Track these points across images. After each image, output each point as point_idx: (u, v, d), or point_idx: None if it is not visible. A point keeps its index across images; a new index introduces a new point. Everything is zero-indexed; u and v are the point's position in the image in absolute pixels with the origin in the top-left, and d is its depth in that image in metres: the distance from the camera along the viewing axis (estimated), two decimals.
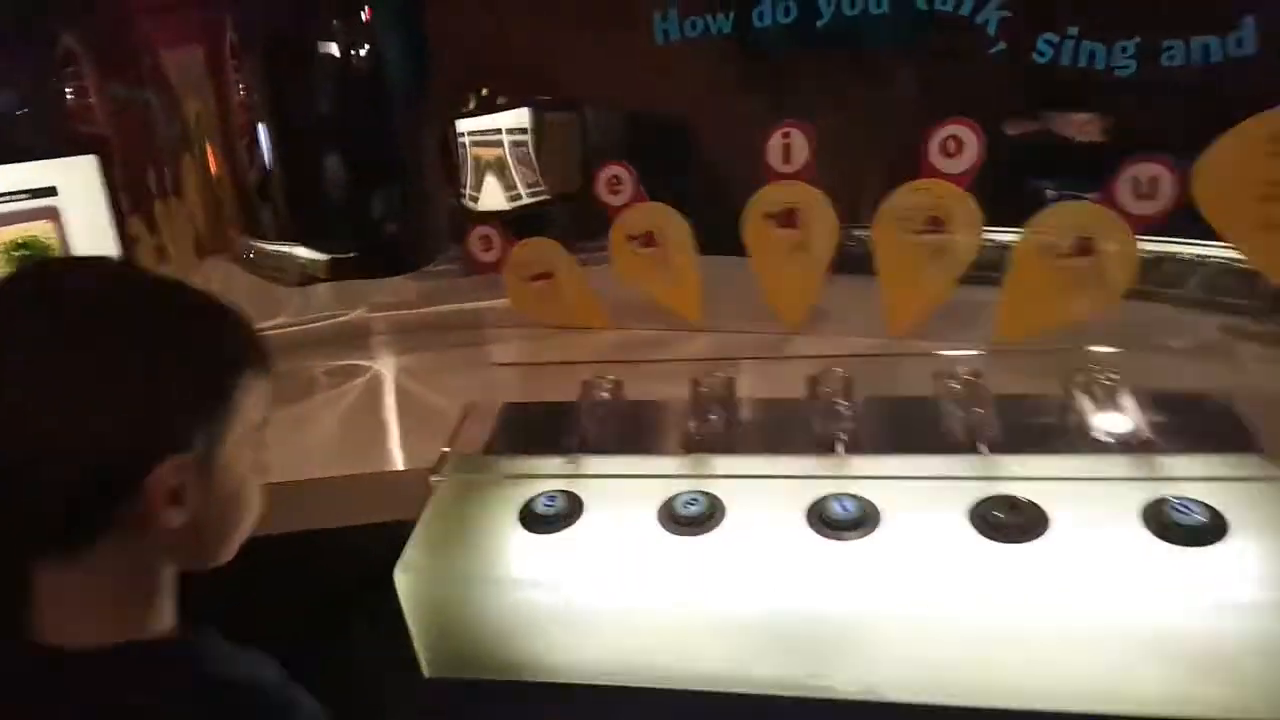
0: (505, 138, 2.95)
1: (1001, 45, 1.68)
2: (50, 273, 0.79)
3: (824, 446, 1.26)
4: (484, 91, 2.61)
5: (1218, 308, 1.88)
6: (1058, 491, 1.16)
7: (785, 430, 1.38)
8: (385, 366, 2.07)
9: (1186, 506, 1.09)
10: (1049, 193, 2.24)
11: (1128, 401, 1.30)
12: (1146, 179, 1.63)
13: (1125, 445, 1.21)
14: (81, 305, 0.71)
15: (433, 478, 1.35)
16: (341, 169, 2.10)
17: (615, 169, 2.09)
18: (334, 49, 1.97)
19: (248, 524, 0.84)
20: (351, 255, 2.19)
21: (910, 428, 1.36)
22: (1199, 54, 1.55)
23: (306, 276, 2.18)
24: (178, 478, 0.72)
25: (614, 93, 2.63)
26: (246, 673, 0.78)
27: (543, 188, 2.78)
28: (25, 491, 0.68)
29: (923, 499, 1.18)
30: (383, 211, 2.20)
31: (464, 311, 2.27)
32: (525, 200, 2.90)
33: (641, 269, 2.12)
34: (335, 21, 1.98)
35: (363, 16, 2.03)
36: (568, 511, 1.25)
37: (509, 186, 2.97)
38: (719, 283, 2.09)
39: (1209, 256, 1.93)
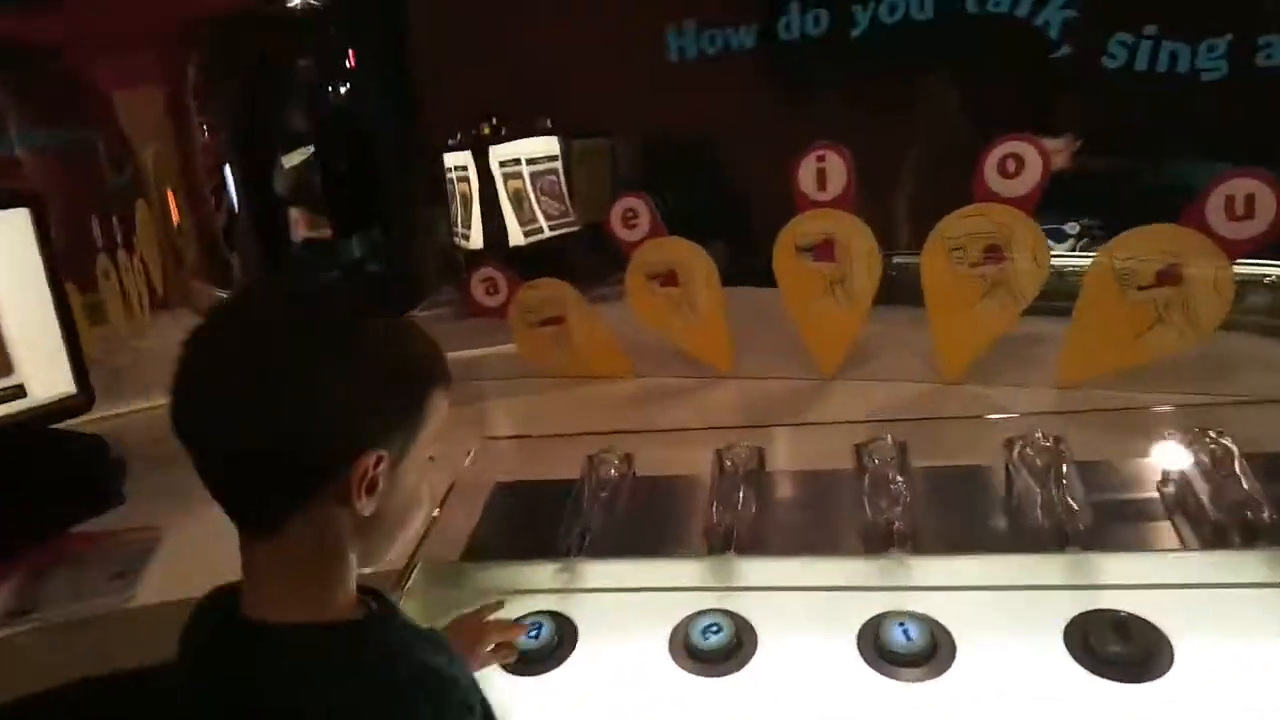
0: (526, 168, 2.77)
1: (1066, 49, 1.46)
2: (292, 292, 0.87)
3: (877, 543, 1.04)
4: (491, 122, 2.43)
5: None
6: (1175, 605, 0.90)
7: (828, 519, 1.15)
8: None
9: None
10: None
11: (1244, 471, 1.05)
12: (1243, 196, 1.39)
13: (1250, 533, 0.97)
14: (318, 319, 0.81)
15: (396, 594, 1.10)
16: (316, 209, 1.92)
17: (631, 200, 1.90)
18: (308, 82, 1.81)
19: (409, 531, 0.89)
20: None
21: (980, 514, 1.13)
22: None
23: None
24: (375, 469, 0.79)
25: (630, 118, 2.43)
26: (422, 648, 0.85)
27: (571, 218, 2.60)
28: (256, 467, 0.77)
29: (1003, 615, 0.93)
30: (362, 252, 2.01)
31: (459, 361, 2.07)
32: (547, 234, 2.71)
33: (662, 311, 1.92)
34: (310, 56, 1.82)
35: (340, 48, 1.87)
36: (558, 643, 1.02)
37: (527, 220, 2.79)
38: (747, 318, 1.88)
39: None
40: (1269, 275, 1.71)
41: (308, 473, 0.77)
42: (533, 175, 2.71)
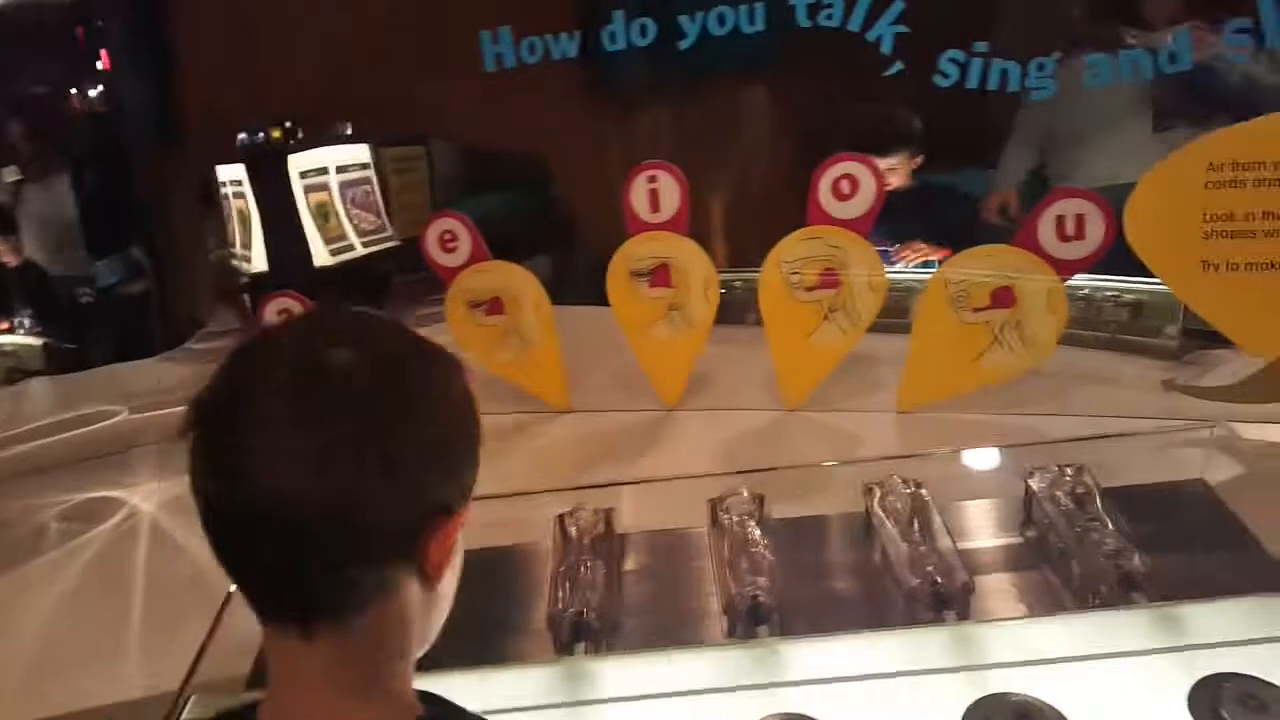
0: (335, 177, 2.50)
1: (899, 66, 1.41)
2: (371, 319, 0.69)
3: (742, 622, 0.93)
4: (284, 126, 2.19)
5: (1128, 348, 1.68)
6: (1067, 680, 0.81)
7: (687, 592, 1.04)
8: (147, 500, 1.53)
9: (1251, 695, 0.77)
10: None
11: (1107, 511, 1.01)
12: (1073, 217, 1.39)
13: (1127, 584, 0.91)
14: (410, 353, 0.66)
15: None
16: (55, 233, 1.63)
17: (448, 221, 1.73)
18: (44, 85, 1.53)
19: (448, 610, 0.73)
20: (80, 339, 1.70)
21: (846, 573, 1.04)
22: (1127, 69, 1.32)
23: (17, 371, 1.66)
24: (457, 532, 0.66)
25: (447, 126, 2.26)
26: None
27: (389, 233, 2.38)
28: (340, 536, 0.60)
29: (891, 710, 0.81)
30: (120, 276, 1.72)
31: None
32: (360, 251, 2.46)
33: (488, 342, 1.76)
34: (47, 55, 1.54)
35: (90, 47, 1.59)
36: None
37: (334, 237, 2.53)
38: (583, 341, 1.75)
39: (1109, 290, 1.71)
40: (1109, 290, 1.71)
41: (397, 539, 0.62)
42: (343, 185, 2.47)
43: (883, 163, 1.96)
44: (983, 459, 1.32)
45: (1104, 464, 1.13)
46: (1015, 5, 1.70)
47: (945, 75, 1.40)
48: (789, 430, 1.59)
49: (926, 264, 1.92)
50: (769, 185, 1.91)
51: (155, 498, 1.54)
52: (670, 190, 1.59)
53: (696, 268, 1.61)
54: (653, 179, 1.60)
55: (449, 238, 1.73)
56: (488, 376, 1.77)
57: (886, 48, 1.41)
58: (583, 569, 1.01)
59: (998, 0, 1.71)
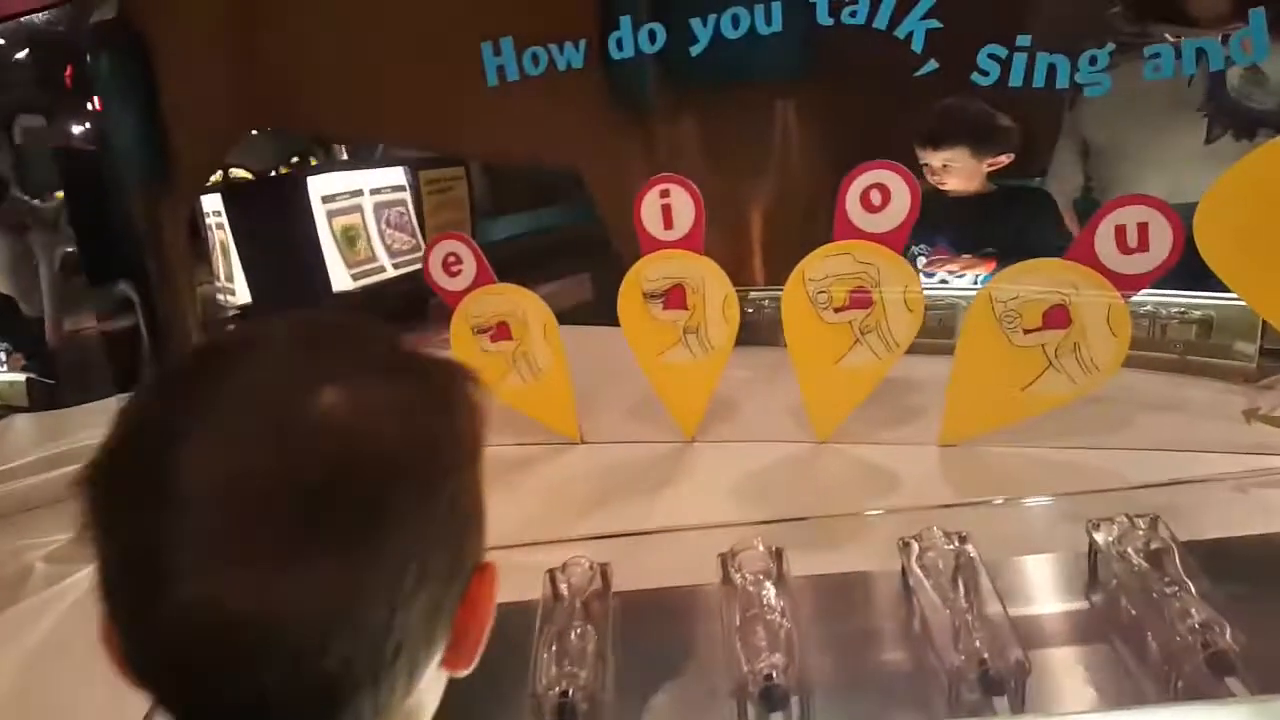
0: (369, 199, 2.42)
1: (933, 64, 1.27)
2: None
3: (751, 707, 0.79)
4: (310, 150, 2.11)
5: (1197, 370, 1.51)
6: None
7: (692, 668, 0.91)
8: None
9: None
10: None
11: (1189, 573, 0.85)
12: (1134, 226, 1.23)
13: (1219, 664, 0.76)
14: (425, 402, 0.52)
15: None
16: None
17: (451, 243, 1.62)
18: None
19: None
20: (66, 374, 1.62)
21: (880, 647, 0.90)
22: (1192, 62, 1.17)
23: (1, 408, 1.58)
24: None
25: (462, 143, 2.17)
26: None
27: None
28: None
29: None
30: (112, 306, 1.64)
31: None
32: (389, 274, 2.37)
33: (494, 369, 1.65)
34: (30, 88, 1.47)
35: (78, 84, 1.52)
36: None
37: (361, 260, 2.44)
38: (597, 365, 1.62)
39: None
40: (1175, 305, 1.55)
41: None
42: (377, 207, 2.39)
43: (938, 157, 1.82)
44: (1036, 506, 1.17)
45: (1179, 509, 0.98)
46: None
47: (984, 73, 1.26)
48: (818, 464, 1.45)
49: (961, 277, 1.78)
50: (795, 199, 1.77)
51: None
52: (684, 205, 1.47)
53: (714, 287, 1.48)
54: (665, 194, 1.47)
55: (453, 260, 1.62)
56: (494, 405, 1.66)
57: (918, 45, 1.27)
58: (572, 635, 0.88)
59: None
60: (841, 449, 1.48)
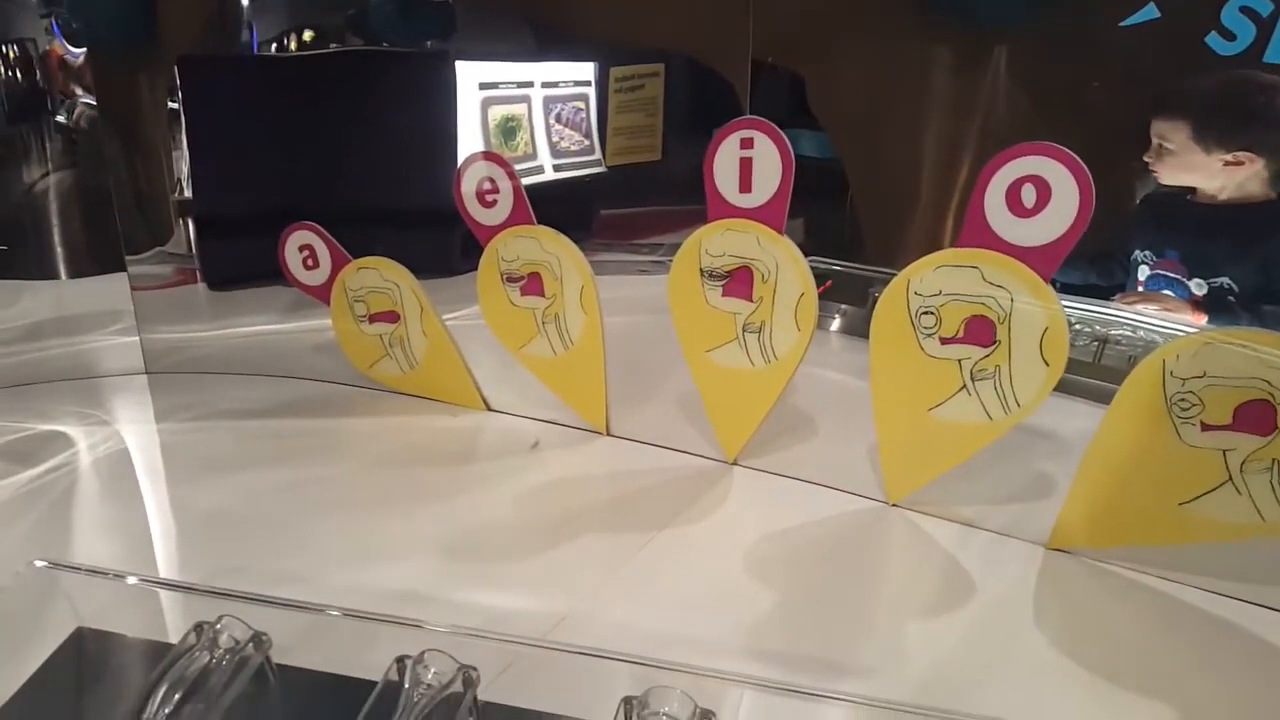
0: (539, 91, 2.18)
1: (1152, 10, 0.85)
2: None
3: None
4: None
5: None
6: None
7: None
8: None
9: None
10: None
11: None
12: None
13: None
14: None
15: None
16: None
17: (487, 164, 1.33)
18: None
19: None
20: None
21: None
22: None
23: None
24: None
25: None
26: None
27: (595, 156, 2.00)
28: None
29: None
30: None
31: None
32: (547, 176, 2.12)
33: (520, 329, 1.37)
34: None
35: None
36: None
37: (516, 159, 2.19)
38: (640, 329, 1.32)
39: None
40: None
41: None
42: (548, 100, 2.15)
43: (1155, 130, 1.31)
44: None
45: None
46: None
47: (1230, 35, 0.83)
48: (879, 533, 1.10)
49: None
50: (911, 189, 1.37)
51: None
52: (770, 163, 1.11)
53: (790, 278, 1.12)
54: (748, 143, 1.11)
55: (489, 187, 1.33)
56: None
57: None
58: None
59: None
60: (914, 518, 1.11)
